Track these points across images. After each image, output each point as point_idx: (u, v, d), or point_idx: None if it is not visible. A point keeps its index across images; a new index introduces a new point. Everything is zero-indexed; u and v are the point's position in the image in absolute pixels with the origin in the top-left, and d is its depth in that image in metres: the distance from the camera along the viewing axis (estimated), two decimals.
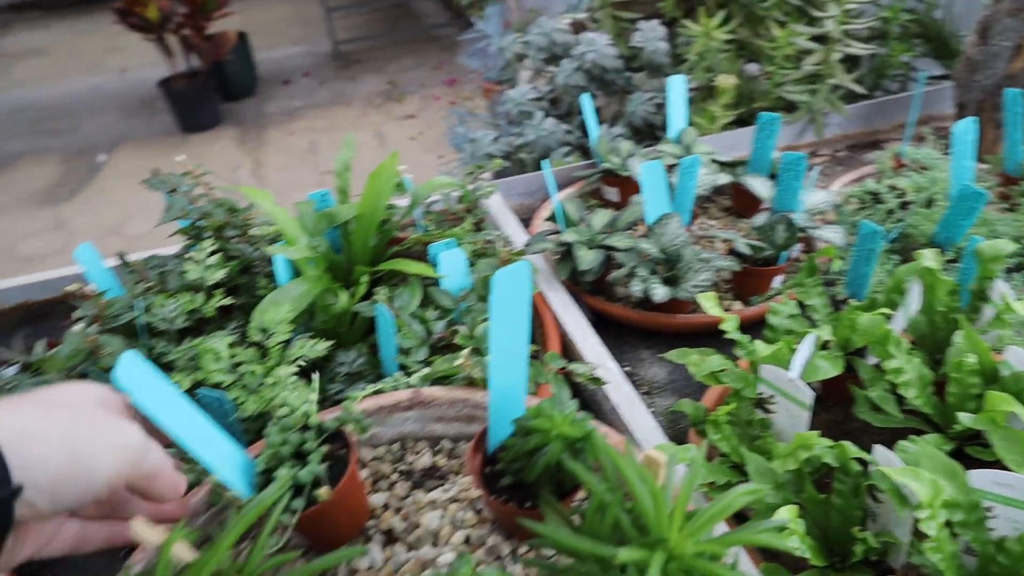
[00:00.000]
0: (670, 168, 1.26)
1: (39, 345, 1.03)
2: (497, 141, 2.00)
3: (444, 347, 0.89)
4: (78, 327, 0.94)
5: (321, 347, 0.85)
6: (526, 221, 1.35)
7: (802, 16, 1.61)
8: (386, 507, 0.63)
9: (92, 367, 0.85)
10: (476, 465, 0.58)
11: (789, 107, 1.63)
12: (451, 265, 0.93)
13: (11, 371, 1.00)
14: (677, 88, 1.35)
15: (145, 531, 0.46)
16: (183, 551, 0.47)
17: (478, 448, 0.59)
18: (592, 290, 1.15)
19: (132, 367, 0.54)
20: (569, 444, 0.49)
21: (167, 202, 1.14)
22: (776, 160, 1.27)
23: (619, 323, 1.12)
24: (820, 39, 1.50)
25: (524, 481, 0.56)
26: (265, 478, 0.58)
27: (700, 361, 0.84)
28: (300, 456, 0.59)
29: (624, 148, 1.39)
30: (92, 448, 0.45)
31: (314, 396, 0.62)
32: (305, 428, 0.61)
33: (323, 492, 0.55)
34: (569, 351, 1.00)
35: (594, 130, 1.37)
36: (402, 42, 5.83)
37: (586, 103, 1.35)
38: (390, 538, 0.61)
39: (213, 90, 4.62)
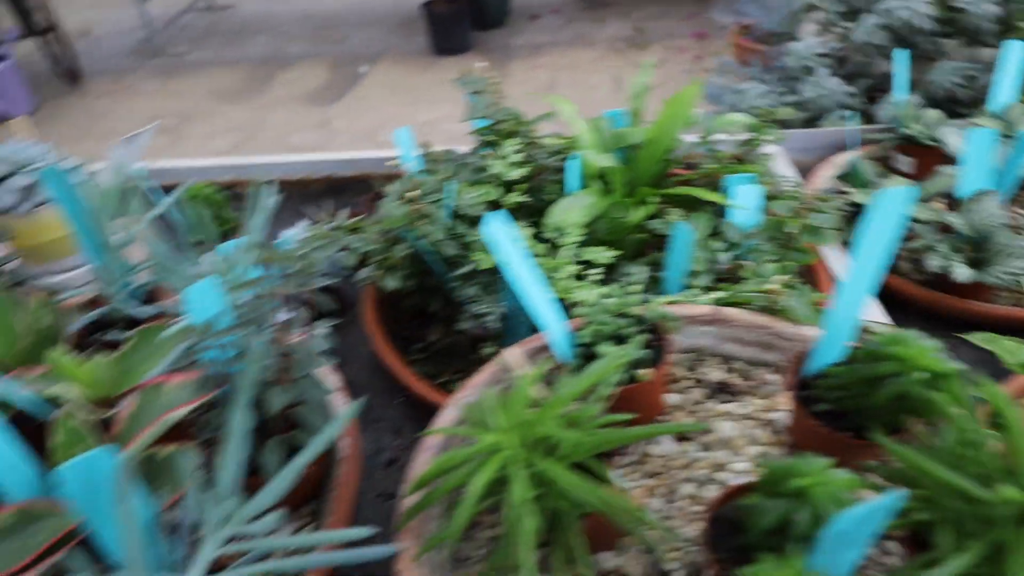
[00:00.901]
0: None
1: (342, 213, 1.19)
2: (765, 96, 1.91)
3: (725, 279, 0.89)
4: (391, 200, 1.06)
5: (609, 254, 0.89)
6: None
7: None
8: (679, 408, 0.66)
9: (409, 232, 0.95)
10: (792, 386, 0.58)
11: None
12: (746, 199, 0.92)
13: (328, 227, 1.16)
14: (1015, 56, 1.19)
15: (515, 361, 0.52)
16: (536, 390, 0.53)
17: (795, 371, 0.59)
18: None
19: (499, 225, 0.60)
20: (926, 378, 0.48)
21: (471, 102, 1.23)
22: None
23: (895, 297, 1.05)
24: None
25: (841, 410, 0.55)
26: (584, 350, 0.63)
27: (1016, 348, 0.77)
28: (616, 339, 0.63)
29: (930, 116, 1.26)
30: None
31: (638, 287, 0.65)
32: (621, 316, 0.65)
33: (645, 373, 0.59)
34: None
35: (901, 92, 1.26)
36: None
37: (900, 61, 1.24)
38: (682, 436, 0.64)
39: (468, 17, 4.84)
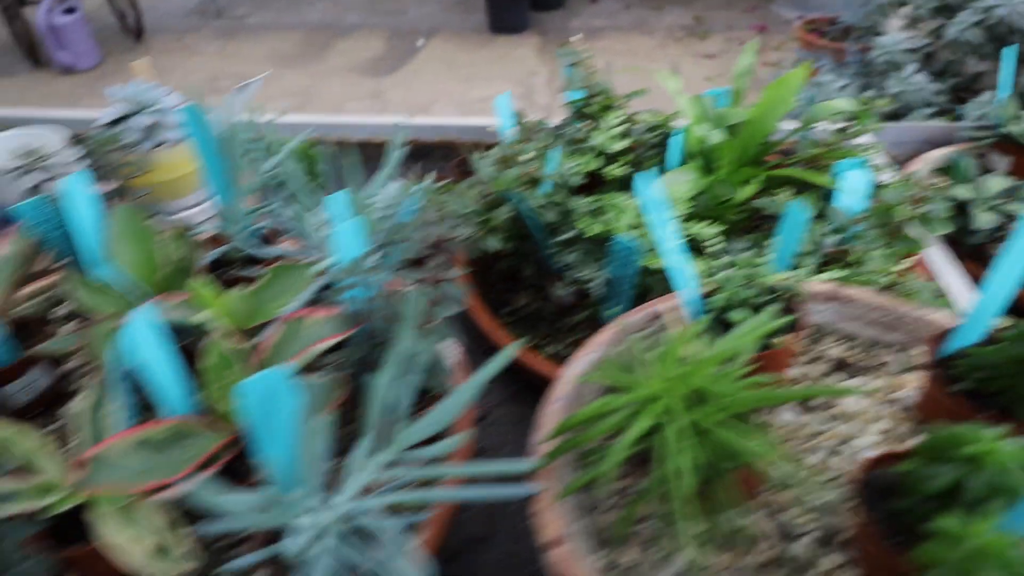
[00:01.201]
0: None
1: (428, 176, 1.21)
2: (844, 90, 1.88)
3: (829, 262, 0.89)
4: (488, 164, 1.07)
5: (714, 230, 0.90)
6: None
7: None
8: (799, 380, 0.67)
9: (515, 195, 0.96)
10: (931, 364, 0.58)
11: None
12: (854, 185, 0.91)
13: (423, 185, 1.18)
14: None
15: (671, 316, 0.53)
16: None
17: (934, 350, 0.59)
18: (968, 253, 1.07)
19: (650, 183, 0.61)
20: None
21: (567, 75, 1.24)
22: None
23: None
24: None
25: (980, 390, 0.56)
26: (714, 315, 0.64)
27: None
28: (747, 306, 0.64)
29: None
30: None
31: (765, 258, 0.66)
32: (750, 285, 0.65)
33: (781, 340, 0.59)
34: None
35: (1005, 91, 1.24)
36: None
37: (1008, 59, 1.22)
38: (805, 408, 0.64)
39: None
